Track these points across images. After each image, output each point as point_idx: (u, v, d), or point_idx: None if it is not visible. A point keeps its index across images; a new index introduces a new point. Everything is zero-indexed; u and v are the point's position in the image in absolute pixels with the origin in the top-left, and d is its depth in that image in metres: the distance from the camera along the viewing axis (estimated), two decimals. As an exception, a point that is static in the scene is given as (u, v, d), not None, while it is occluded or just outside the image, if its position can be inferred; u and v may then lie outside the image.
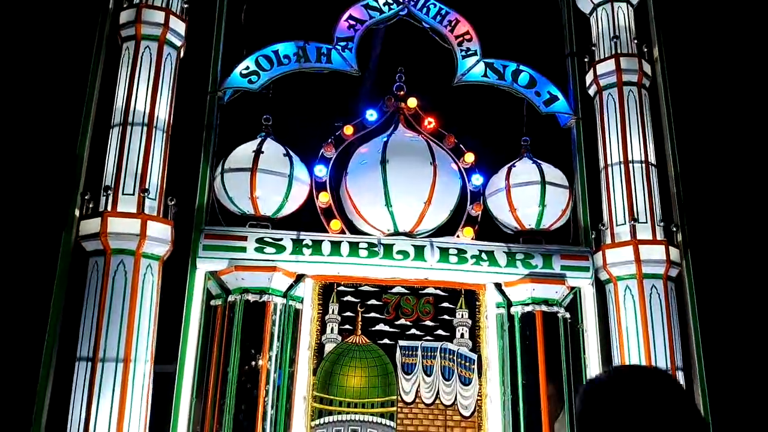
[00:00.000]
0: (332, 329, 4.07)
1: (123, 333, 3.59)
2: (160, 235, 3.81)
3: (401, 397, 3.97)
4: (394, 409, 3.94)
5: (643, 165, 4.38)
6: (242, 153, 4.14)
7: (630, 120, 4.43)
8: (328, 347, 4.02)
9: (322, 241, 4.07)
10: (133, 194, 3.82)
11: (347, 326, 4.09)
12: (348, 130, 4.50)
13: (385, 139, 4.40)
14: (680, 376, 3.98)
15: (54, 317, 3.69)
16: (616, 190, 4.40)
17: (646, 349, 4.00)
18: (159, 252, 3.82)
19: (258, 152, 4.08)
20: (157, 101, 3.99)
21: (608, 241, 4.31)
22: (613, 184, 4.41)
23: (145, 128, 3.91)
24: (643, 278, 4.12)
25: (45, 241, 3.86)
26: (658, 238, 4.21)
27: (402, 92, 4.64)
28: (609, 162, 4.45)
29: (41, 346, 3.65)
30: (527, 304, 4.14)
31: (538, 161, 4.48)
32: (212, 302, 4.06)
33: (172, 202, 3.97)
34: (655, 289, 4.10)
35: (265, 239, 3.99)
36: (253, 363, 3.78)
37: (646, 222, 4.26)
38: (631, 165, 4.37)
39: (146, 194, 3.82)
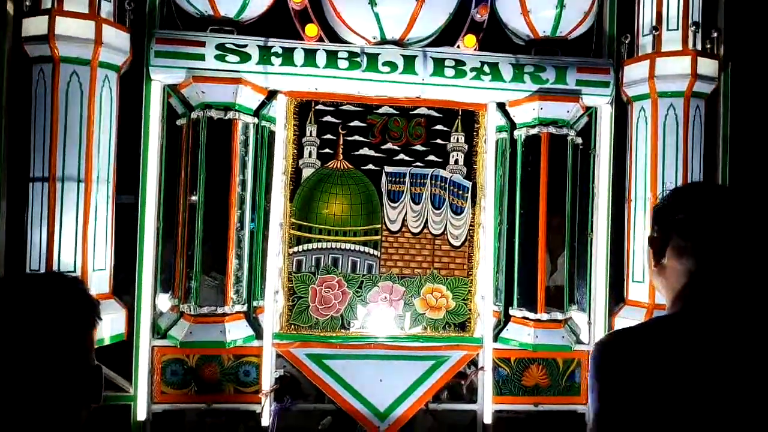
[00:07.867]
0: (310, 153, 3.63)
1: (83, 151, 3.20)
2: (118, 44, 3.27)
3: (386, 226, 3.64)
4: (378, 237, 3.62)
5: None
6: (192, -67, 3.37)
7: None
8: (306, 172, 3.61)
9: (294, 48, 3.45)
10: (85, -8, 3.19)
11: (327, 150, 3.63)
12: None
13: None
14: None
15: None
16: (647, -10, 3.62)
17: (652, 178, 3.54)
18: (117, 62, 3.31)
19: (210, -68, 3.30)
20: None
21: (635, 54, 3.67)
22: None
23: None
24: (658, 97, 3.52)
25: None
26: (691, 48, 3.52)
27: None
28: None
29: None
30: (533, 126, 3.60)
31: (561, -50, 3.63)
32: (177, 122, 3.61)
33: (131, 7, 3.36)
34: (673, 109, 3.51)
35: (226, 45, 3.39)
36: (222, 187, 3.42)
37: (677, 29, 3.55)
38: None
39: None
